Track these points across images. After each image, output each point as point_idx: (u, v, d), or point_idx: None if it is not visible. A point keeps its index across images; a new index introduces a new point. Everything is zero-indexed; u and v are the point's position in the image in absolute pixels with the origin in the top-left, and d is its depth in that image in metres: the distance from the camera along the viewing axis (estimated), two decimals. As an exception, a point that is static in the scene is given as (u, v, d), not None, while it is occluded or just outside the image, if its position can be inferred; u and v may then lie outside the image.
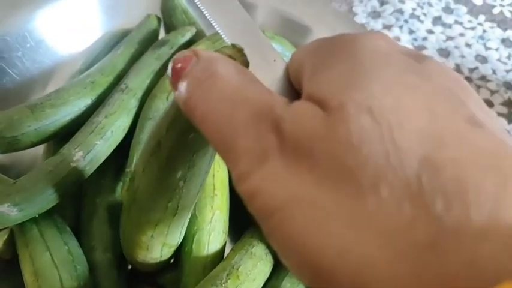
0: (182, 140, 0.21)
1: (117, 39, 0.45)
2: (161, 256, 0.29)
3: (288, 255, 0.13)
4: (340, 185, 0.12)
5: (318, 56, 0.15)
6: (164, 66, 0.40)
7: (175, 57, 0.17)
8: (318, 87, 0.14)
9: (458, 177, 0.11)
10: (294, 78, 0.17)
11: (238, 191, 0.14)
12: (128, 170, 0.33)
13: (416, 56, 0.15)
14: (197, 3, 0.20)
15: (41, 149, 0.37)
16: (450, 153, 0.12)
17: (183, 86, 0.15)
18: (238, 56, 0.18)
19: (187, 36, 0.43)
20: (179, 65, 0.16)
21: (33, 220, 0.30)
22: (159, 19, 0.47)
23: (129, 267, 0.33)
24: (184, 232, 0.29)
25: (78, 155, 0.32)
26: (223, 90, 0.14)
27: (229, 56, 0.18)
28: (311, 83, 0.14)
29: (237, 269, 0.28)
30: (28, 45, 0.43)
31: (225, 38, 0.20)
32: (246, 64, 0.18)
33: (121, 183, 0.36)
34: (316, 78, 0.14)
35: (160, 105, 0.36)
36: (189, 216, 0.28)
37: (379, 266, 0.11)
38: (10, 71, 0.42)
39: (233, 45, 0.18)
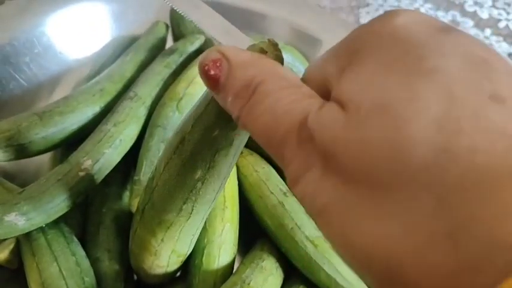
0: (206, 137, 0.21)
1: (125, 45, 0.45)
2: (168, 265, 0.28)
3: (335, 250, 0.14)
4: (362, 184, 0.13)
5: (340, 59, 0.15)
6: (173, 74, 0.40)
7: (202, 59, 0.17)
8: (340, 91, 0.14)
9: (473, 166, 0.11)
10: (321, 92, 0.16)
11: (295, 192, 0.15)
12: (136, 178, 0.33)
13: (443, 28, 0.14)
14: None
15: (46, 156, 0.36)
16: (465, 140, 0.12)
17: (228, 101, 0.16)
18: (272, 50, 0.18)
19: (196, 44, 0.43)
20: (212, 72, 0.16)
21: (40, 229, 0.30)
22: (167, 26, 0.47)
23: (135, 278, 0.33)
24: (194, 242, 0.29)
25: (86, 163, 0.31)
26: (266, 109, 0.15)
27: (261, 50, 0.18)
28: (337, 87, 0.14)
29: (248, 284, 0.28)
30: (36, 50, 0.42)
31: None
32: (280, 59, 0.18)
33: (127, 193, 0.36)
34: (340, 82, 0.14)
35: (170, 113, 0.36)
36: (201, 227, 0.28)
37: (406, 255, 0.12)
38: (17, 77, 0.41)
39: (269, 40, 0.18)
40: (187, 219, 0.25)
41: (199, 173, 0.23)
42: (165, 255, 0.27)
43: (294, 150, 0.14)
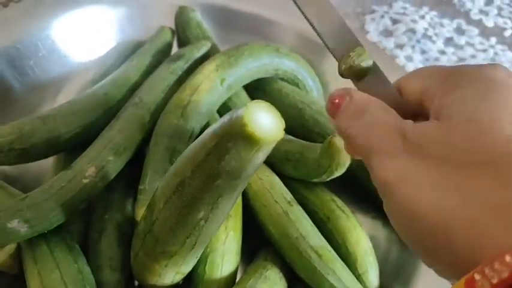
0: (208, 185, 0.21)
1: (130, 50, 0.45)
2: (172, 282, 0.28)
3: (397, 215, 0.19)
4: (441, 163, 0.18)
5: (446, 84, 0.20)
6: (178, 81, 0.40)
7: (332, 93, 0.23)
8: (441, 105, 0.20)
9: None
10: (417, 100, 0.22)
11: (375, 175, 0.20)
12: (141, 187, 0.32)
13: None
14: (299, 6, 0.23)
15: (49, 160, 0.36)
16: None
17: (343, 119, 0.22)
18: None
19: (203, 50, 0.42)
20: (336, 101, 0.22)
21: (42, 235, 0.29)
22: (172, 31, 0.47)
23: (136, 283, 0.32)
24: (198, 257, 0.28)
25: (90, 170, 0.31)
26: (369, 122, 0.21)
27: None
28: (440, 101, 0.20)
29: (252, 294, 0.28)
30: (40, 54, 0.42)
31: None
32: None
33: (130, 200, 0.35)
34: (443, 99, 0.20)
35: (174, 121, 0.36)
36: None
37: (458, 219, 0.16)
38: (21, 80, 0.41)
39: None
40: (191, 250, 0.25)
41: (202, 214, 0.23)
42: (170, 276, 0.27)
43: (384, 145, 0.20)
